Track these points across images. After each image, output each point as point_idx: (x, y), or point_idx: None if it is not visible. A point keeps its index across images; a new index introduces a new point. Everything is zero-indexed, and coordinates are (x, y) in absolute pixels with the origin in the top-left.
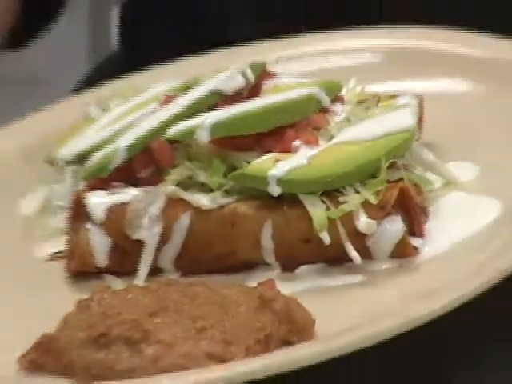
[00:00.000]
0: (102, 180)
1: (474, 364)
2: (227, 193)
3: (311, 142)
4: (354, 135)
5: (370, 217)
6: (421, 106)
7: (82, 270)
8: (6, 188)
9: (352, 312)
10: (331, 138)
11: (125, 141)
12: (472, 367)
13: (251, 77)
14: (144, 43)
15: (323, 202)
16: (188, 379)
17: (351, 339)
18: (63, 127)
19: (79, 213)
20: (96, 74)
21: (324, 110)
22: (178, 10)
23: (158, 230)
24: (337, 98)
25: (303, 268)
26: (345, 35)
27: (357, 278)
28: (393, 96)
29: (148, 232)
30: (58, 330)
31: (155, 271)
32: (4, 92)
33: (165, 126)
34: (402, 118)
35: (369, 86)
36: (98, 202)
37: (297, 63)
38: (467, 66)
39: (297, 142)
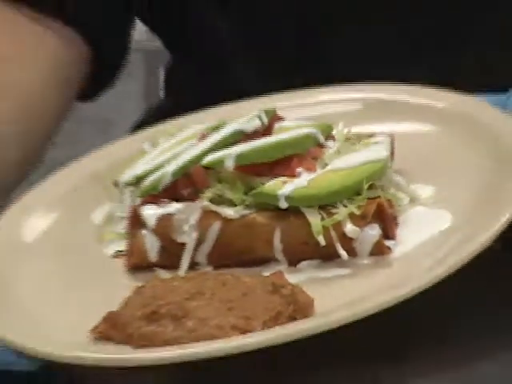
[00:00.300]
0: (154, 197)
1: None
2: (247, 206)
3: (310, 169)
4: (342, 164)
5: (354, 224)
6: (392, 143)
7: (138, 265)
8: (82, 203)
9: (341, 296)
10: (325, 165)
11: (171, 167)
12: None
13: (265, 120)
14: (182, 96)
15: (319, 213)
16: (221, 344)
17: (340, 316)
18: (125, 158)
19: (136, 221)
20: (148, 118)
21: (320, 145)
22: (206, 78)
23: (195, 234)
24: (329, 137)
25: (304, 263)
26: (335, 89)
27: (345, 271)
28: (371, 135)
29: (188, 236)
30: (121, 309)
31: (193, 265)
32: (81, 130)
33: (201, 156)
34: (378, 151)
35: (353, 127)
36: (151, 213)
37: (299, 110)
38: (428, 113)
39: (299, 169)
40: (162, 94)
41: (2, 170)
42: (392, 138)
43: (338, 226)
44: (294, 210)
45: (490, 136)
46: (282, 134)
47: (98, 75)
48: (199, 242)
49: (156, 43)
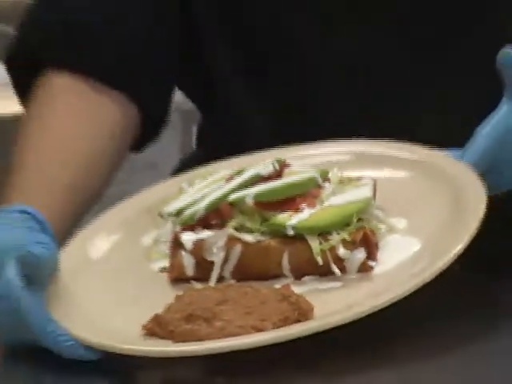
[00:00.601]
0: (190, 226)
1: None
2: (263, 234)
3: (311, 205)
4: (336, 201)
5: (345, 248)
6: (374, 186)
7: (178, 278)
8: (135, 230)
9: (335, 304)
10: (323, 202)
11: (204, 203)
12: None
13: (277, 166)
14: (211, 148)
15: (318, 239)
16: (242, 340)
17: (334, 319)
18: (168, 195)
19: (177, 244)
20: (184, 165)
21: (319, 187)
22: (229, 134)
23: (222, 254)
24: (326, 179)
25: (306, 277)
26: (330, 144)
27: (338, 284)
28: (358, 178)
29: (216, 256)
30: (164, 312)
31: (220, 279)
32: (133, 172)
33: (227, 194)
34: (363, 192)
35: (344, 172)
36: (188, 238)
37: (303, 159)
38: (403, 163)
39: (303, 205)
40: (195, 145)
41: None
42: (374, 181)
43: (333, 249)
44: (298, 237)
45: (451, 181)
46: (289, 178)
47: (146, 131)
48: (225, 260)
49: (190, 105)
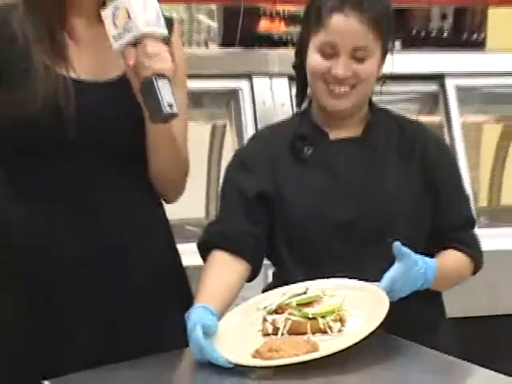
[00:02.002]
0: (270, 313)
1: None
2: (299, 316)
3: (318, 305)
4: (327, 303)
5: (333, 322)
6: (344, 298)
7: (266, 334)
8: (250, 315)
9: (327, 345)
10: (323, 303)
11: (275, 304)
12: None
13: (305, 289)
14: (278, 281)
15: (322, 317)
16: (294, 358)
17: (327, 352)
18: (261, 300)
19: (264, 320)
20: (265, 289)
21: (321, 297)
22: (282, 277)
23: (283, 324)
24: (324, 295)
25: (316, 334)
26: (326, 280)
27: (329, 337)
28: (334, 295)
29: (280, 325)
30: (260, 347)
31: (281, 334)
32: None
33: (285, 300)
34: (338, 300)
35: (328, 291)
36: (269, 317)
37: (314, 286)
38: (361, 289)
39: (315, 305)
40: (271, 279)
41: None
42: (343, 298)
43: (327, 322)
44: (313, 317)
45: (374, 295)
46: (309, 294)
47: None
48: (284, 326)
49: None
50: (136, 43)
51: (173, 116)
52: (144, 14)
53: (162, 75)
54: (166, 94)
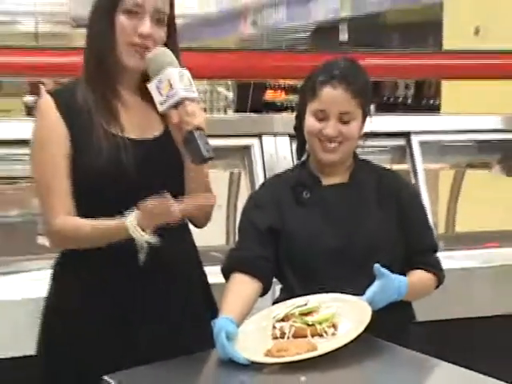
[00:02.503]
0: (278, 320)
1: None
2: (300, 323)
3: (316, 314)
4: (323, 313)
5: (327, 327)
6: (336, 308)
7: (274, 337)
8: (263, 321)
9: (324, 345)
10: (321, 313)
11: (282, 313)
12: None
13: (305, 302)
14: (283, 297)
15: (320, 324)
16: (297, 357)
17: (324, 351)
18: (271, 311)
19: (273, 327)
20: (275, 301)
21: (318, 308)
22: (287, 294)
23: (288, 329)
24: (321, 306)
25: (315, 337)
26: (322, 295)
27: (324, 339)
28: (330, 306)
29: (287, 330)
30: (271, 347)
31: (287, 337)
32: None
33: (290, 311)
34: (332, 310)
35: (326, 303)
36: (278, 324)
37: (313, 299)
38: (346, 301)
39: (314, 314)
40: (279, 294)
41: None
42: (336, 308)
43: (323, 328)
44: (312, 324)
45: (358, 305)
46: (309, 305)
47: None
48: (289, 331)
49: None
50: (176, 105)
51: (211, 158)
52: (182, 83)
53: (199, 128)
54: (204, 141)
